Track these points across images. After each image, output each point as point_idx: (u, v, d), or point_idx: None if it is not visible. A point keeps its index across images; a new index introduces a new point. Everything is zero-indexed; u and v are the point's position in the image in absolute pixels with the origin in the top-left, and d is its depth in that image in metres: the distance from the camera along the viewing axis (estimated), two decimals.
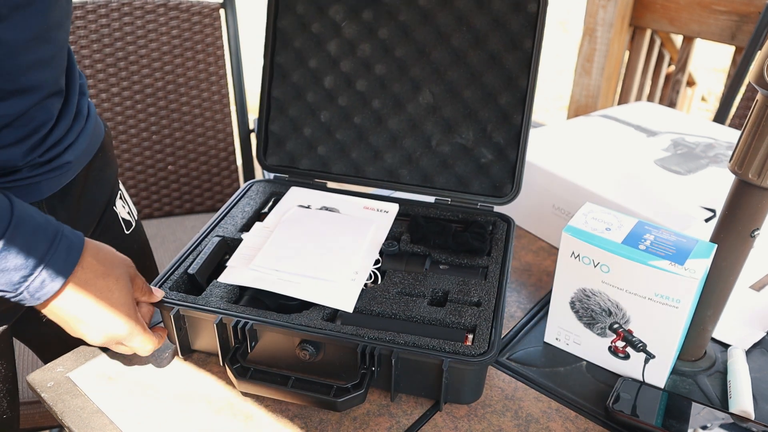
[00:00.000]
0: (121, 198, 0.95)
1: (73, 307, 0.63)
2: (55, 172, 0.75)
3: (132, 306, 0.67)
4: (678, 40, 2.26)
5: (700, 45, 2.22)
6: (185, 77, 1.49)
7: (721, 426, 0.65)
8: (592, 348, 0.75)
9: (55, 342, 0.84)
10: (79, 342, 0.78)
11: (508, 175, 0.89)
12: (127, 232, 0.95)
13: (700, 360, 0.76)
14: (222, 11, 1.48)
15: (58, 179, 0.77)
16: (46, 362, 0.78)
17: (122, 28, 1.40)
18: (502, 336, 0.81)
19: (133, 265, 0.69)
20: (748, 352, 0.77)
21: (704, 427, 0.65)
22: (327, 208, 0.88)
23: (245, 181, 1.58)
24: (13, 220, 0.57)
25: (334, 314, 0.73)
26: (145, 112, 1.48)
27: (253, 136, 1.57)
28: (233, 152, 1.61)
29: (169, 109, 1.50)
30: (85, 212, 0.85)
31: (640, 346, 0.71)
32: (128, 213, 0.97)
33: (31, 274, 0.58)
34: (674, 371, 0.75)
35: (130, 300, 0.66)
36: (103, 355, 0.76)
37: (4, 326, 0.76)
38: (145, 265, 1.01)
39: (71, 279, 0.61)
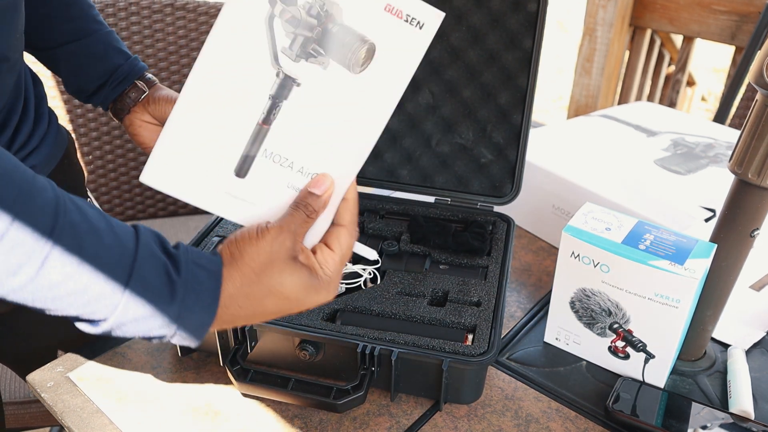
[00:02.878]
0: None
1: (241, 321, 0.53)
2: None
3: (311, 286, 0.53)
4: (678, 40, 2.26)
5: (700, 45, 2.22)
6: None
7: (721, 426, 0.65)
8: (592, 348, 0.75)
9: (30, 359, 0.83)
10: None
11: (507, 174, 0.89)
12: None
13: (700, 360, 0.76)
14: None
15: None
16: (22, 376, 0.77)
17: (129, 28, 1.40)
18: (502, 336, 0.80)
19: (281, 231, 0.52)
20: (748, 352, 0.77)
21: (704, 427, 0.65)
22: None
23: None
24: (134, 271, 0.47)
25: (334, 314, 0.73)
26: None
27: None
28: None
29: None
30: None
31: (640, 346, 0.71)
32: None
33: (166, 335, 0.50)
34: (674, 371, 0.75)
35: (302, 274, 0.53)
36: (103, 356, 0.76)
37: None
38: None
39: (220, 313, 0.51)
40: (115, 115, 0.84)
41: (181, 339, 0.50)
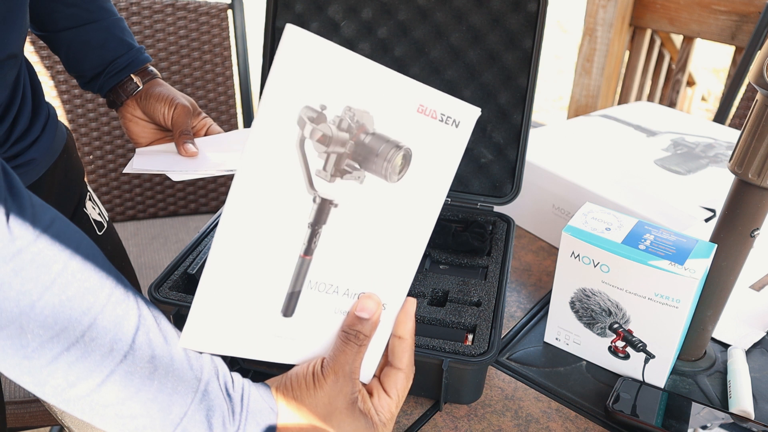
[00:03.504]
0: (90, 199, 0.95)
1: None
2: (21, 168, 0.75)
3: (364, 424, 0.51)
4: (678, 40, 2.26)
5: (700, 45, 2.22)
6: (192, 77, 1.49)
7: (721, 426, 0.65)
8: (592, 348, 0.75)
9: None
10: None
11: (508, 174, 0.89)
12: (99, 234, 0.95)
13: (700, 360, 0.76)
14: (230, 12, 1.48)
15: (24, 177, 0.76)
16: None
17: (130, 28, 1.40)
18: (502, 336, 0.80)
19: (338, 376, 0.49)
20: (748, 352, 0.77)
21: (704, 427, 0.65)
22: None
23: None
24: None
25: None
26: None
27: None
28: None
29: None
30: None
31: (640, 346, 0.71)
32: (99, 214, 0.97)
33: None
34: (674, 371, 0.75)
35: (360, 422, 0.50)
36: None
37: None
38: (120, 266, 1.01)
39: None
40: (110, 105, 0.84)
41: None
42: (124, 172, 0.78)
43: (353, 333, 0.50)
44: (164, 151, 0.83)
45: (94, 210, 0.95)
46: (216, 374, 0.47)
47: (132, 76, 0.82)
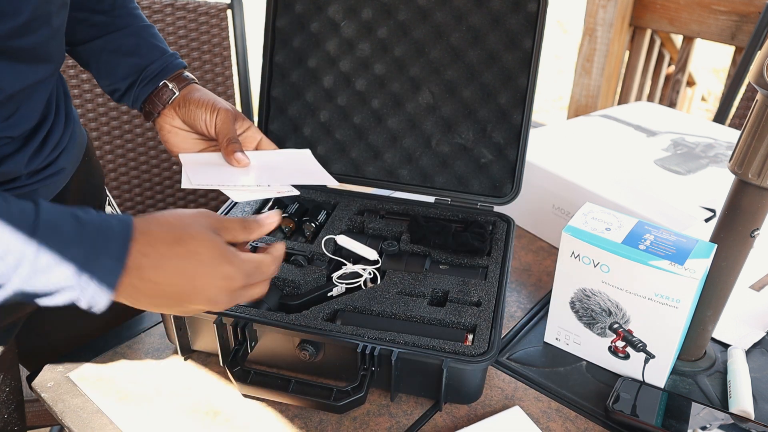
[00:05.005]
0: (109, 204, 0.93)
1: (151, 293, 0.53)
2: (51, 178, 0.73)
3: (225, 259, 0.55)
4: (678, 40, 2.26)
5: (700, 45, 2.22)
6: None
7: (721, 426, 0.65)
8: (592, 348, 0.75)
9: (48, 354, 0.82)
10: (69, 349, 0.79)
11: (508, 174, 0.89)
12: None
13: (700, 360, 0.76)
14: (229, 12, 1.48)
15: (54, 186, 0.74)
16: (31, 371, 0.76)
17: None
18: (502, 336, 0.80)
19: (211, 215, 0.57)
20: (748, 352, 0.77)
21: (704, 428, 0.65)
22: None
23: None
24: (38, 229, 0.48)
25: (334, 314, 0.73)
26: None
27: None
28: None
29: None
30: None
31: (640, 346, 0.71)
32: None
33: (75, 289, 0.49)
34: (674, 371, 0.75)
35: (221, 252, 0.55)
36: (103, 356, 0.76)
37: (10, 341, 0.72)
38: None
39: (126, 274, 0.51)
40: (146, 117, 0.79)
41: (91, 295, 0.49)
42: (182, 186, 0.72)
43: (247, 224, 0.59)
44: (213, 163, 0.77)
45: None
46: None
47: (167, 82, 0.77)
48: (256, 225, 0.59)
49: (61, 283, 0.48)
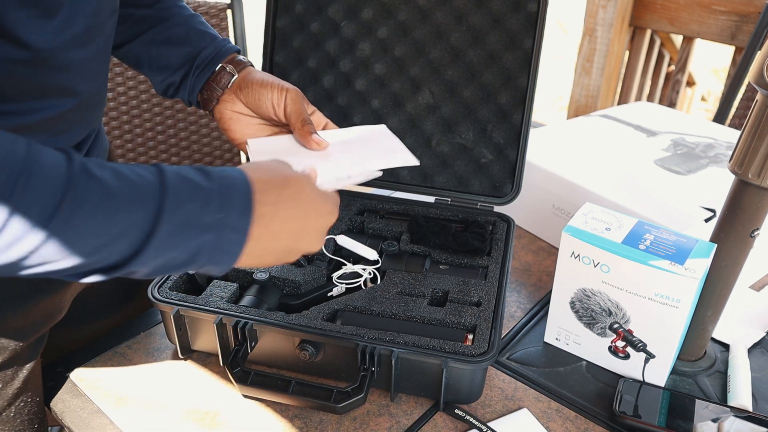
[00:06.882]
0: None
1: (271, 241, 0.51)
2: None
3: (323, 195, 0.57)
4: (678, 40, 2.26)
5: (700, 45, 2.22)
6: None
7: (723, 421, 0.65)
8: (592, 348, 0.75)
9: (48, 354, 0.80)
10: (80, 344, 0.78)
11: (508, 174, 0.89)
12: None
13: (700, 360, 0.76)
14: (229, 12, 1.48)
15: None
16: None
17: None
18: (502, 336, 0.80)
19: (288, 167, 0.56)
20: (748, 352, 0.77)
21: (708, 424, 0.65)
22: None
23: None
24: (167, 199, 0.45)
25: (334, 314, 0.73)
26: (151, 112, 1.48)
27: None
28: (238, 153, 1.61)
29: (175, 109, 1.50)
30: None
31: (640, 346, 0.71)
32: None
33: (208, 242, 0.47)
34: (674, 371, 0.75)
35: (317, 190, 0.56)
36: (103, 356, 0.76)
37: (35, 360, 0.69)
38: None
39: (254, 224, 0.49)
40: (204, 107, 0.75)
41: (224, 248, 0.47)
42: None
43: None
44: (285, 148, 0.72)
45: None
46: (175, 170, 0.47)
47: (224, 65, 0.73)
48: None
49: (189, 240, 0.46)
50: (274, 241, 0.51)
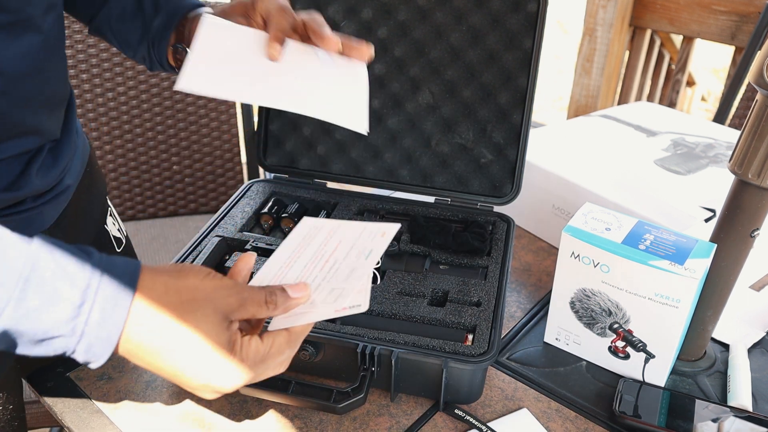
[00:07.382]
0: (111, 215, 0.90)
1: (147, 352, 0.47)
2: (57, 198, 0.69)
3: (226, 340, 0.48)
4: (678, 40, 2.26)
5: (700, 45, 2.22)
6: None
7: (723, 421, 0.65)
8: (592, 348, 0.75)
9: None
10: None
11: (507, 174, 0.89)
12: (118, 251, 0.90)
13: (700, 360, 0.76)
14: None
15: (58, 205, 0.71)
16: (31, 371, 0.74)
17: None
18: (502, 336, 0.80)
19: (236, 290, 0.49)
20: (748, 352, 0.77)
21: (708, 424, 0.65)
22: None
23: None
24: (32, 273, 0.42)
25: None
26: (151, 112, 1.48)
27: None
28: (238, 153, 1.61)
29: (175, 109, 1.50)
30: (82, 236, 0.80)
31: (640, 346, 0.71)
32: (118, 230, 0.91)
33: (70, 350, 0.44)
34: (674, 371, 0.75)
35: (222, 333, 0.48)
36: None
37: (11, 360, 0.69)
38: None
39: (132, 320, 0.45)
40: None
41: (93, 328, 0.43)
42: (175, 88, 0.59)
43: (271, 291, 0.50)
44: (236, 43, 0.62)
45: (114, 226, 0.89)
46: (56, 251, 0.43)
47: (175, 44, 0.68)
48: (282, 299, 0.50)
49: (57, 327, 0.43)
50: (147, 358, 0.47)
